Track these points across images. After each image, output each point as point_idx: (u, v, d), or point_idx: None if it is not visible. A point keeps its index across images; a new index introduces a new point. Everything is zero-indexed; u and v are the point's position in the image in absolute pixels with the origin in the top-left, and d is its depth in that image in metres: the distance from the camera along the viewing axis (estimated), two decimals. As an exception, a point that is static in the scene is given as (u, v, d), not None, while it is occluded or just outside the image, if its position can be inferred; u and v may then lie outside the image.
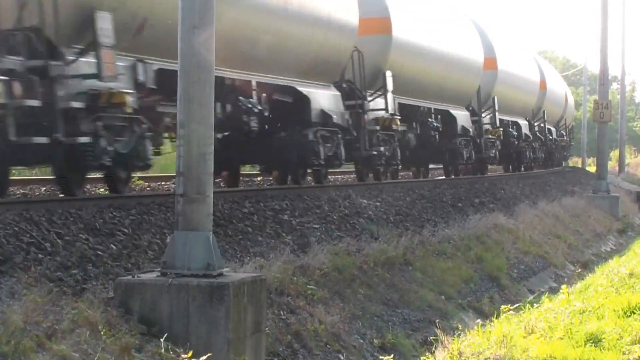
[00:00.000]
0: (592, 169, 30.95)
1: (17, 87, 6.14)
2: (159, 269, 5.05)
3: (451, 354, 5.27)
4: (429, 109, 14.97)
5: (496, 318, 6.30)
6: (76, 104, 6.66)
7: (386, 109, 12.16)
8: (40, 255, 5.19)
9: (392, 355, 5.14)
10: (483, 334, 5.69)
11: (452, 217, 11.29)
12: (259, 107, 9.35)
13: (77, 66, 6.71)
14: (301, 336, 5.76)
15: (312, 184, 11.30)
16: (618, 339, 5.44)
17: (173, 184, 8.57)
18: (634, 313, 6.09)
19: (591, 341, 5.36)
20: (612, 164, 33.52)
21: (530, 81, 22.88)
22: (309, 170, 11.22)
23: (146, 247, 6.02)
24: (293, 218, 8.20)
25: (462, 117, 16.23)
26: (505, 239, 11.19)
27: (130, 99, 7.07)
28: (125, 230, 6.14)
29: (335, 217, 8.96)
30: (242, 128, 9.27)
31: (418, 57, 13.79)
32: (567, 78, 43.34)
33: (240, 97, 9.12)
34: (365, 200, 10.20)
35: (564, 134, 29.67)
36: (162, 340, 4.55)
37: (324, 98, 10.74)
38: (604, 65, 19.66)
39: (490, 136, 17.80)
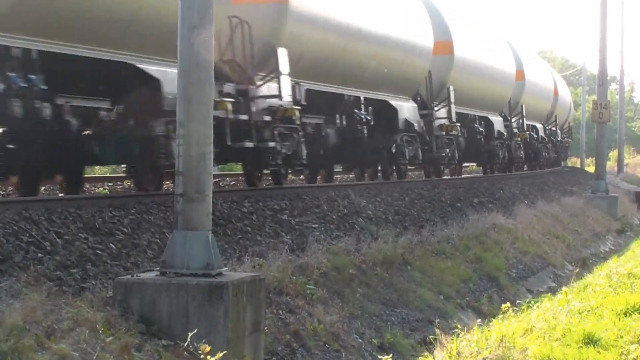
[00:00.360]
0: (590, 169, 31.02)
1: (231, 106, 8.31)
2: (158, 268, 5.06)
3: (450, 353, 5.28)
4: (475, 116, 17.60)
5: (495, 318, 6.31)
6: (266, 118, 9.13)
7: (449, 117, 14.69)
8: (39, 255, 5.19)
9: (390, 355, 5.14)
10: (482, 333, 5.70)
11: (451, 217, 11.30)
12: (369, 117, 11.83)
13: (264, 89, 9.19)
14: (300, 336, 5.77)
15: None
16: (616, 339, 5.45)
17: (172, 183, 8.57)
18: (633, 313, 6.10)
19: (589, 341, 5.36)
20: (610, 164, 33.55)
21: (547, 89, 25.60)
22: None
23: (145, 246, 6.02)
24: (292, 218, 8.21)
25: (497, 122, 19.01)
26: (504, 239, 11.20)
27: (297, 113, 9.44)
28: (125, 230, 6.15)
29: (334, 216, 8.97)
30: (357, 136, 11.69)
31: (471, 73, 16.32)
32: (566, 78, 43.35)
33: (355, 110, 11.62)
34: (364, 200, 10.22)
35: (566, 134, 30.77)
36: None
37: (406, 109, 13.18)
38: (602, 66, 19.69)
39: (518, 139, 20.53)
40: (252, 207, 8.04)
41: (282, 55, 10.70)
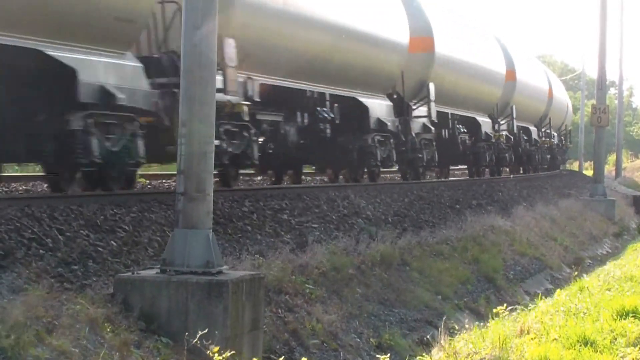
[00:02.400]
0: (589, 172, 31.06)
1: None
2: (159, 266, 5.09)
3: (447, 353, 5.31)
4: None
5: (492, 319, 6.35)
6: None
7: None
8: (41, 251, 5.22)
9: (388, 355, 5.17)
10: (479, 334, 5.73)
11: (450, 218, 11.33)
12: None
13: None
14: (298, 334, 5.80)
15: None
16: (612, 341, 5.49)
17: (174, 181, 8.60)
18: (629, 316, 6.13)
19: (585, 343, 5.40)
20: (609, 168, 33.60)
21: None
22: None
23: (146, 244, 6.05)
24: (292, 217, 8.24)
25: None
26: (502, 241, 11.23)
27: (246, 109, 8.50)
28: (126, 228, 6.17)
29: (334, 217, 9.00)
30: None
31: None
32: (565, 82, 43.42)
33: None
34: (363, 201, 10.24)
35: (563, 138, 30.32)
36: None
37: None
38: (601, 71, 19.74)
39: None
40: (253, 206, 8.06)
41: (432, 87, 12.04)
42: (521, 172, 23.63)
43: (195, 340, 4.60)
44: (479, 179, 17.97)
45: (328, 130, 10.72)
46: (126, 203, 6.73)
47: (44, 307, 4.38)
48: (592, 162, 23.43)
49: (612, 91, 49.45)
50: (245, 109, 8.83)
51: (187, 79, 5.12)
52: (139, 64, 7.93)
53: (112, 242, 5.81)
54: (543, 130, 25.46)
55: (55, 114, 6.93)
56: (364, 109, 11.89)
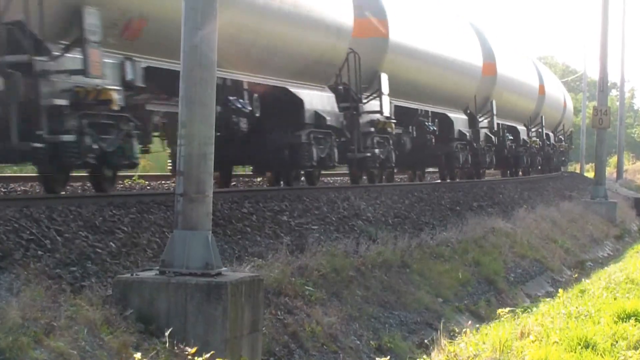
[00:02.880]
0: (590, 174, 31.02)
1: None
2: (158, 267, 5.07)
3: (447, 356, 5.29)
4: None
5: (492, 321, 6.32)
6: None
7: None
8: (39, 252, 5.20)
9: (388, 357, 5.15)
10: (479, 337, 5.71)
11: (450, 220, 11.31)
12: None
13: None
14: (298, 336, 5.78)
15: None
16: (613, 344, 5.47)
17: (173, 182, 8.59)
18: (630, 319, 6.11)
19: (586, 346, 5.38)
20: (610, 170, 33.57)
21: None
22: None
23: (145, 245, 6.03)
24: (292, 219, 8.22)
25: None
26: (502, 243, 11.21)
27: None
28: (125, 229, 6.16)
29: (333, 218, 8.98)
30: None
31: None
32: (566, 84, 43.43)
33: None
34: (363, 203, 10.22)
35: (562, 139, 29.68)
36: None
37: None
38: (603, 72, 19.71)
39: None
40: (252, 207, 8.05)
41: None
42: (508, 174, 22.04)
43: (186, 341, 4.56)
44: (481, 181, 17.74)
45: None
46: (125, 204, 6.71)
47: (42, 309, 4.36)
48: (594, 164, 23.40)
49: (614, 93, 49.42)
50: (394, 125, 12.22)
51: (187, 80, 5.10)
52: (332, 94, 11.19)
53: (111, 243, 5.80)
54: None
55: (290, 131, 10.17)
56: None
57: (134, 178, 11.49)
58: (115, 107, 6.99)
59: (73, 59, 6.67)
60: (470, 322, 7.12)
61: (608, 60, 19.87)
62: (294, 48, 10.04)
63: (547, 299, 8.61)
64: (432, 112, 14.97)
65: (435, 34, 14.77)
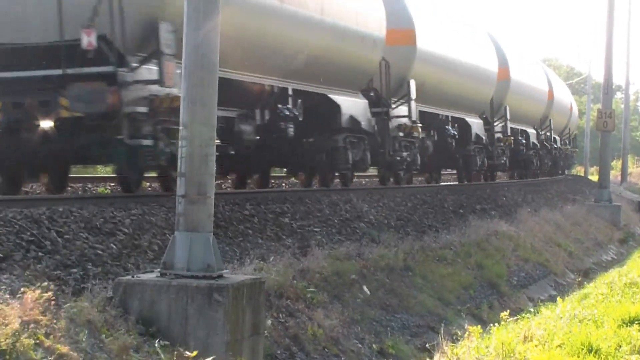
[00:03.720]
0: (594, 177, 30.97)
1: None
2: (159, 269, 5.05)
3: (449, 360, 5.26)
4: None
5: (495, 325, 6.29)
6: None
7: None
8: (40, 254, 5.18)
9: (390, 361, 5.12)
10: (482, 340, 5.68)
11: (453, 223, 11.27)
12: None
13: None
14: (299, 339, 5.75)
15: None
16: (617, 348, 5.43)
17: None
18: (634, 323, 6.07)
19: (590, 350, 5.35)
20: (614, 173, 33.48)
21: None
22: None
23: (146, 247, 6.01)
24: (294, 221, 8.19)
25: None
26: (505, 246, 11.17)
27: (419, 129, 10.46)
28: (126, 230, 6.14)
29: (336, 220, 8.95)
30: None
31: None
32: (571, 86, 43.35)
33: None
34: (366, 205, 10.19)
35: (567, 142, 29.69)
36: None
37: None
38: (608, 75, 19.65)
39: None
40: (254, 209, 8.02)
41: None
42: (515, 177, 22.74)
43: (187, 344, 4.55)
44: (489, 184, 17.74)
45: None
46: (126, 205, 6.70)
47: (43, 311, 4.35)
48: (598, 167, 23.33)
49: (619, 95, 49.32)
50: (420, 129, 12.78)
51: (188, 80, 5.09)
52: (365, 100, 11.79)
53: (112, 245, 5.78)
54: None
55: (328, 135, 10.77)
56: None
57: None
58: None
59: (149, 70, 7.33)
60: (472, 325, 7.08)
61: (613, 62, 19.82)
62: (335, 58, 10.89)
63: (551, 303, 8.56)
64: (451, 117, 15.72)
65: (456, 42, 15.62)
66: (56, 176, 7.88)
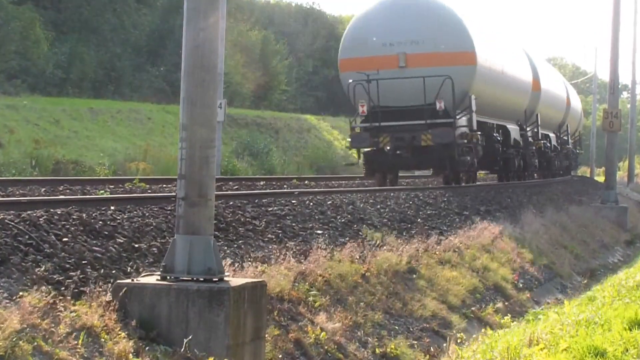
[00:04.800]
0: (600, 178, 30.88)
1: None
2: (159, 272, 5.00)
3: (454, 364, 5.18)
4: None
5: (501, 328, 6.21)
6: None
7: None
8: (38, 257, 5.14)
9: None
10: (487, 344, 5.60)
11: (458, 225, 11.18)
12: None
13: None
14: (301, 344, 5.69)
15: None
16: (624, 352, 5.34)
17: (174, 186, 8.56)
18: (641, 326, 5.97)
19: (596, 354, 5.26)
20: (621, 174, 33.31)
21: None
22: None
23: (146, 250, 5.96)
24: (296, 223, 8.13)
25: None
26: (511, 249, 11.07)
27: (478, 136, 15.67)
28: (125, 233, 6.09)
29: (338, 223, 8.88)
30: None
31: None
32: (576, 86, 43.16)
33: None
34: (369, 207, 10.12)
35: (577, 143, 31.55)
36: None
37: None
38: (614, 74, 19.53)
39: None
40: (255, 211, 7.97)
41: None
42: (536, 176, 24.95)
43: (187, 349, 4.50)
44: (494, 184, 18.08)
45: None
46: (125, 208, 6.66)
47: (41, 315, 4.30)
48: (604, 168, 23.29)
49: (625, 95, 49.06)
50: (478, 135, 15.78)
51: (188, 81, 5.03)
52: (517, 127, 19.41)
53: (111, 247, 5.73)
54: (561, 136, 26.78)
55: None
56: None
57: (134, 181, 11.47)
58: (475, 140, 15.47)
59: (462, 119, 15.03)
60: (478, 329, 7.00)
61: (619, 61, 19.68)
62: (506, 104, 18.22)
63: (557, 306, 8.47)
64: (496, 124, 18.18)
65: (503, 58, 17.72)
66: (396, 174, 15.83)
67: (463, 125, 14.60)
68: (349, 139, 14.90)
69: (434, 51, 14.18)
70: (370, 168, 14.79)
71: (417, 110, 14.03)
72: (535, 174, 23.14)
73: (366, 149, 14.53)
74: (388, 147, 14.27)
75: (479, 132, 15.33)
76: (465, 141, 14.68)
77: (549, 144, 24.02)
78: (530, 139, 20.72)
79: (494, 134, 17.31)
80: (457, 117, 14.27)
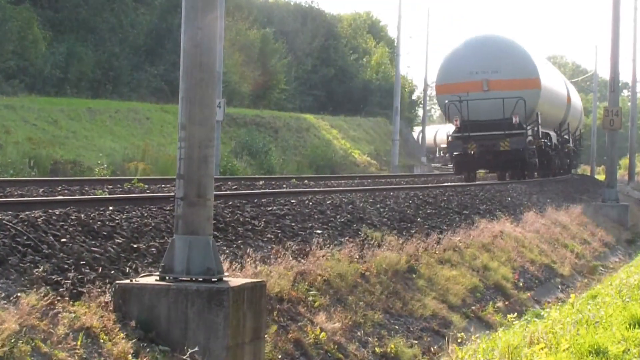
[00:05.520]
0: (601, 177, 30.90)
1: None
2: (158, 273, 4.97)
3: (454, 364, 5.16)
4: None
5: (501, 328, 6.19)
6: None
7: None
8: (36, 258, 5.11)
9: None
10: (487, 343, 5.58)
11: (458, 224, 11.16)
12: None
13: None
14: (301, 344, 5.66)
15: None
16: (625, 352, 5.32)
17: (173, 186, 8.54)
18: (642, 325, 5.94)
19: (597, 353, 5.24)
20: (621, 173, 33.30)
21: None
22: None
23: (145, 250, 5.93)
24: (295, 223, 8.10)
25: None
26: (511, 248, 11.05)
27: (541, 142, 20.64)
28: (124, 233, 6.07)
29: (338, 222, 8.86)
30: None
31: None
32: (577, 84, 43.17)
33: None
34: (369, 206, 10.10)
35: (578, 142, 31.66)
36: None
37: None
38: (614, 72, 19.50)
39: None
40: (254, 211, 7.94)
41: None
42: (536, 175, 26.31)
43: (187, 349, 4.48)
44: (489, 184, 18.05)
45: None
46: (124, 208, 6.63)
47: (40, 316, 4.28)
48: (604, 166, 23.31)
49: (625, 93, 49.03)
50: (541, 142, 20.29)
51: (186, 80, 5.00)
52: (555, 133, 24.15)
53: (110, 248, 5.70)
54: (562, 135, 26.73)
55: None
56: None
57: (133, 181, 11.44)
58: (538, 146, 20.09)
59: (529, 130, 19.74)
60: (478, 328, 6.98)
61: (619, 59, 19.65)
62: (553, 116, 23.17)
63: (557, 305, 8.44)
64: (543, 132, 21.70)
65: (553, 80, 23.37)
66: (474, 172, 20.17)
67: (531, 135, 19.49)
68: (446, 146, 21.30)
69: (509, 78, 19.37)
70: (459, 168, 19.93)
71: (497, 123, 18.96)
72: (535, 173, 24.26)
73: (456, 153, 19.43)
74: (474, 152, 19.01)
75: (542, 139, 20.34)
76: (533, 147, 19.58)
77: (549, 143, 24.51)
78: (557, 141, 24.60)
79: (545, 140, 21.48)
80: (527, 128, 19.38)
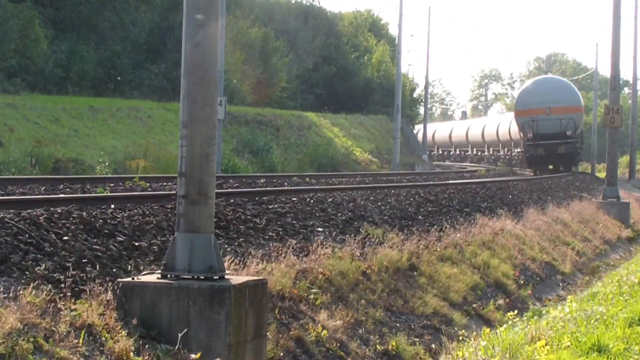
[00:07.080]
0: (601, 174, 31.05)
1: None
2: (159, 271, 4.98)
3: (455, 361, 5.16)
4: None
5: (502, 325, 6.19)
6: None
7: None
8: (38, 256, 5.13)
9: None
10: (488, 341, 5.59)
11: (459, 221, 11.16)
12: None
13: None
14: (303, 342, 5.68)
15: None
16: (626, 349, 5.33)
17: (174, 184, 8.55)
18: (643, 322, 5.95)
19: (599, 350, 5.25)
20: (622, 170, 33.28)
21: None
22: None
23: (146, 248, 5.94)
24: (296, 221, 8.11)
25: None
26: (512, 245, 11.05)
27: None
28: (126, 231, 6.08)
29: (339, 220, 8.86)
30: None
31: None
32: (577, 82, 43.12)
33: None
34: (370, 204, 10.10)
35: (580, 139, 33.81)
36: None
37: None
38: (615, 70, 19.49)
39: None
40: (256, 209, 7.95)
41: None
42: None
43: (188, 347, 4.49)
44: (490, 181, 17.97)
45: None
46: (126, 206, 6.64)
47: (41, 314, 4.29)
48: (605, 164, 23.30)
49: (626, 91, 48.97)
50: (582, 147, 31.24)
51: (188, 79, 5.01)
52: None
53: (112, 246, 5.72)
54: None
55: None
56: None
57: (135, 179, 11.45)
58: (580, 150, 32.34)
59: (576, 139, 31.20)
60: (479, 326, 6.98)
61: (620, 57, 19.64)
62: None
63: (558, 302, 8.45)
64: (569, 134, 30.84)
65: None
66: (540, 167, 30.10)
67: (577, 142, 29.89)
68: (523, 149, 30.61)
69: (564, 106, 29.59)
70: (531, 164, 30.04)
71: (557, 134, 29.05)
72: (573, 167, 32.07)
73: (529, 154, 29.29)
74: (541, 154, 28.96)
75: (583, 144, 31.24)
76: (578, 151, 30.18)
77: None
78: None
79: (572, 141, 29.94)
80: (576, 138, 29.44)
